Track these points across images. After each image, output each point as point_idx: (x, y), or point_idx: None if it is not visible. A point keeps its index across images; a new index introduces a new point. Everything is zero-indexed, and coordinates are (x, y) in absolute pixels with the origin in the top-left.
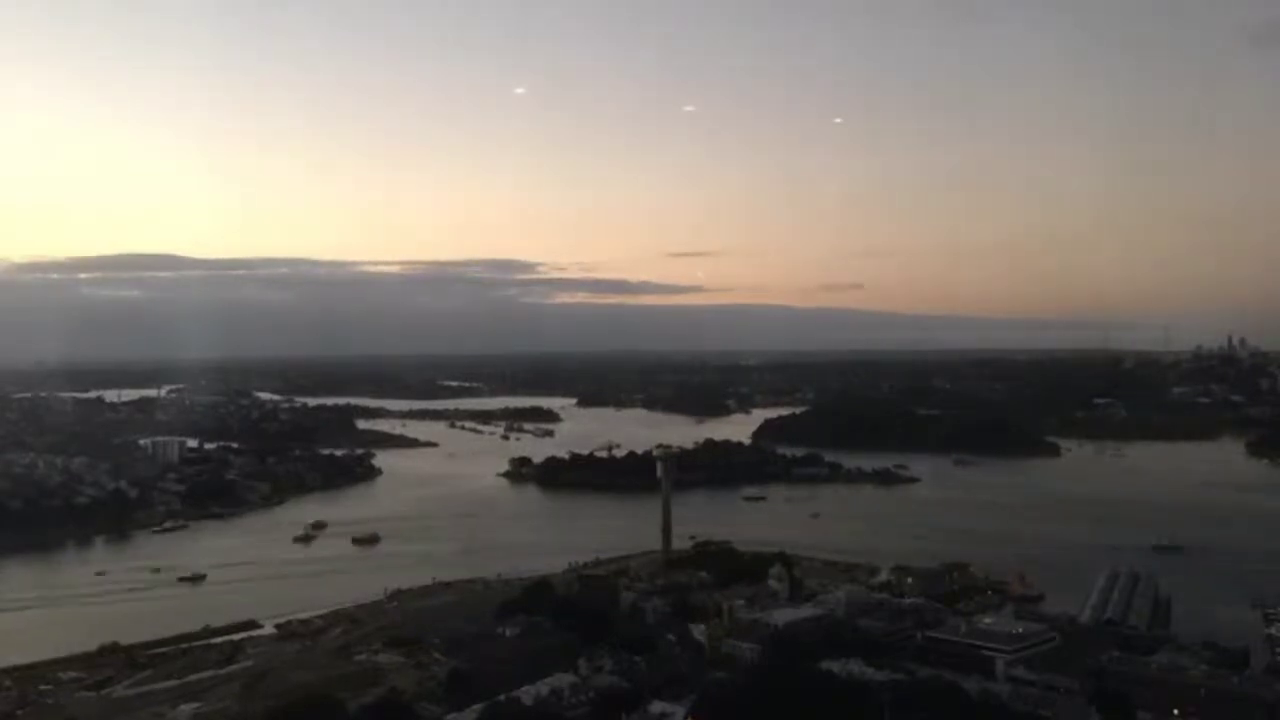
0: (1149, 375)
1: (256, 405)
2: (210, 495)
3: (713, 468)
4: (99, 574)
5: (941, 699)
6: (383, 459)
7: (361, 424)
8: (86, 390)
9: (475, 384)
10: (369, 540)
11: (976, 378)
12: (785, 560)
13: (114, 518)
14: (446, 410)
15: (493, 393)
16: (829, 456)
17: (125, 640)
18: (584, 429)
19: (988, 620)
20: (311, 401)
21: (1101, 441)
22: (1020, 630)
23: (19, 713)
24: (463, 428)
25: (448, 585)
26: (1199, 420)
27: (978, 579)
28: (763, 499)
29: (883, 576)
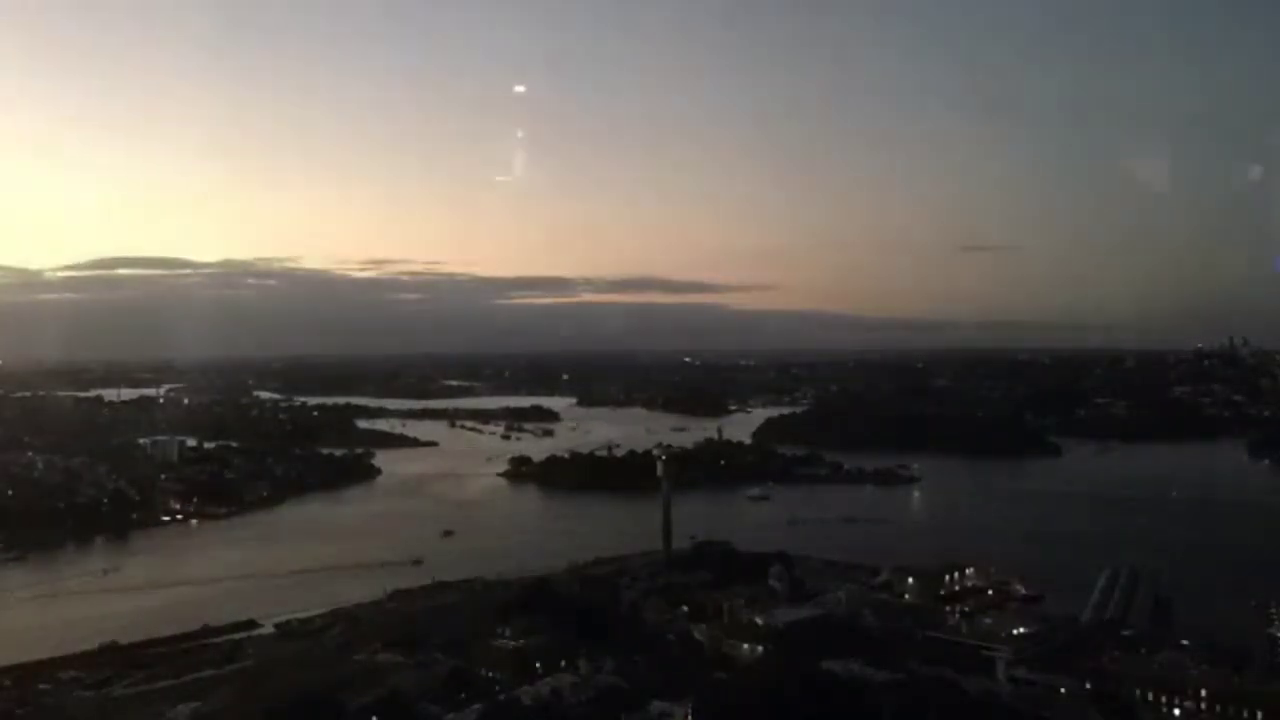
0: (1149, 375)
1: (256, 405)
2: (209, 495)
3: (713, 468)
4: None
5: (942, 699)
6: (382, 459)
7: (361, 424)
8: (86, 390)
9: (475, 384)
10: None
11: (976, 378)
12: (785, 560)
13: (114, 517)
14: (446, 410)
15: (493, 393)
16: (829, 456)
17: (124, 640)
18: (584, 429)
19: (988, 620)
20: (311, 401)
21: (1102, 441)
22: (1021, 630)
23: (18, 712)
24: (463, 427)
25: (447, 585)
26: (1200, 420)
27: (978, 579)
28: (765, 499)
29: (883, 576)
